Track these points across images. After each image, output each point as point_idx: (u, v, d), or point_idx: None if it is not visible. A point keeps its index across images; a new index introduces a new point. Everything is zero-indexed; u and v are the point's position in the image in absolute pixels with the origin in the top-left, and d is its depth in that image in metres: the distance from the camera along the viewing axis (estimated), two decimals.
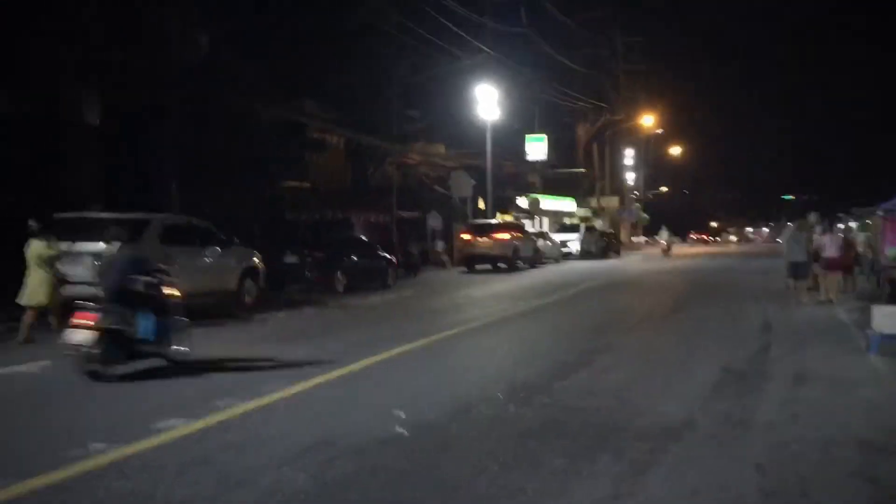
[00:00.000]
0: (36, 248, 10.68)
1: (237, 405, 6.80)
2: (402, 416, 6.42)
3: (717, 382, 7.90)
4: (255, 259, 14.98)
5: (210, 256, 13.59)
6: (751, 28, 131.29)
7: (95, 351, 7.69)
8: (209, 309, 13.09)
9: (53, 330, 10.23)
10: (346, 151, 34.19)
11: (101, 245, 9.75)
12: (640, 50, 67.39)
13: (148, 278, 8.24)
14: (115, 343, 7.82)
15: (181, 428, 6.09)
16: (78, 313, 7.88)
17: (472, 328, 12.23)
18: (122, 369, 7.95)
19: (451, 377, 8.40)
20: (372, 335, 11.47)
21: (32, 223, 10.85)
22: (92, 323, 7.73)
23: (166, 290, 8.41)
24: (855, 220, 23.03)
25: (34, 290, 10.66)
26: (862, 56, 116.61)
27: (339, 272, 18.02)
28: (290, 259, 17.82)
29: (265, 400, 7.05)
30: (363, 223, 27.87)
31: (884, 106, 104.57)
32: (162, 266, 8.83)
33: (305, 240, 18.60)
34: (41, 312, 10.85)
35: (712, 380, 8.03)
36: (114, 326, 7.82)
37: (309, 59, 28.50)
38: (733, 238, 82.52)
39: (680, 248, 54.10)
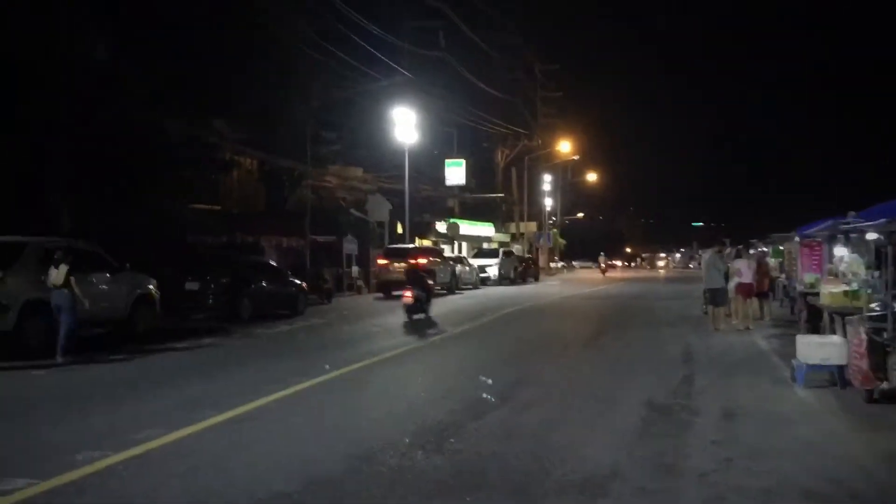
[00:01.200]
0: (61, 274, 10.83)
1: (101, 458, 5.84)
2: (291, 468, 5.60)
3: (643, 420, 7.34)
4: (149, 285, 13.86)
5: (98, 283, 12.43)
6: (664, 61, 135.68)
7: None
8: (100, 339, 11.99)
9: None
10: (259, 173, 33.07)
11: None
12: (557, 77, 68.54)
13: None
14: None
15: (25, 490, 5.11)
16: None
17: (383, 359, 11.44)
18: None
19: (355, 418, 7.60)
20: (272, 369, 10.57)
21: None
22: None
23: None
24: (766, 246, 23.23)
25: None
26: (771, 94, 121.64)
27: (244, 299, 16.96)
28: (192, 285, 16.67)
29: (137, 450, 6.11)
30: (275, 248, 26.78)
31: (787, 141, 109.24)
32: None
33: (209, 265, 17.44)
34: None
35: (638, 417, 7.47)
36: None
37: (219, 76, 27.34)
38: (661, 264, 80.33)
39: (594, 273, 54.59)
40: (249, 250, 23.24)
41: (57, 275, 10.98)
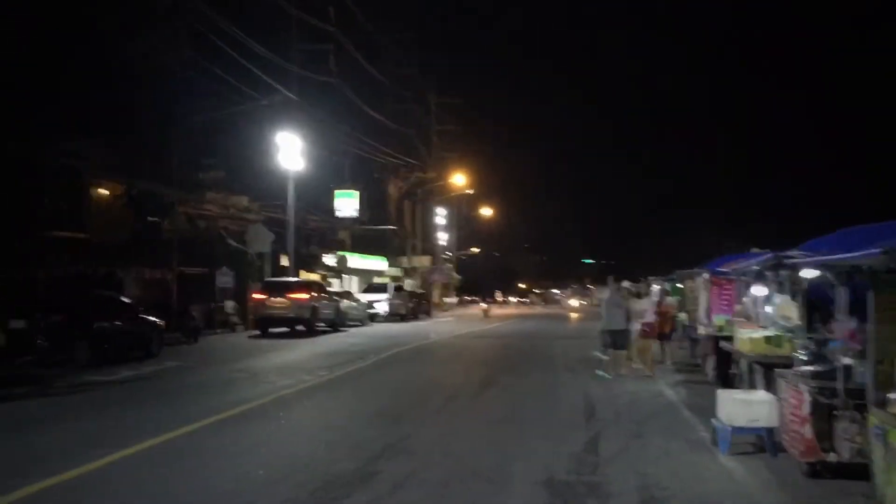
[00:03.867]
0: None
1: None
2: None
3: None
4: None
5: None
6: (558, 100, 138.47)
7: None
8: None
9: None
10: (126, 199, 30.27)
11: None
12: (453, 111, 67.88)
13: None
14: None
15: None
16: None
17: (229, 417, 9.41)
18: None
19: None
20: (81, 433, 8.42)
21: None
22: None
23: None
24: (662, 284, 22.24)
25: None
26: (664, 131, 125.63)
27: (81, 340, 14.48)
28: (17, 324, 14.07)
29: None
30: (137, 280, 24.14)
31: (677, 179, 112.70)
32: None
33: (42, 300, 14.90)
34: None
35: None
36: None
37: (92, 95, 24.76)
38: (573, 302, 69.65)
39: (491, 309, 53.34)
40: (103, 283, 20.57)
41: None
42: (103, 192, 29.28)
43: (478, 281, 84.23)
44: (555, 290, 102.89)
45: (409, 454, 7.55)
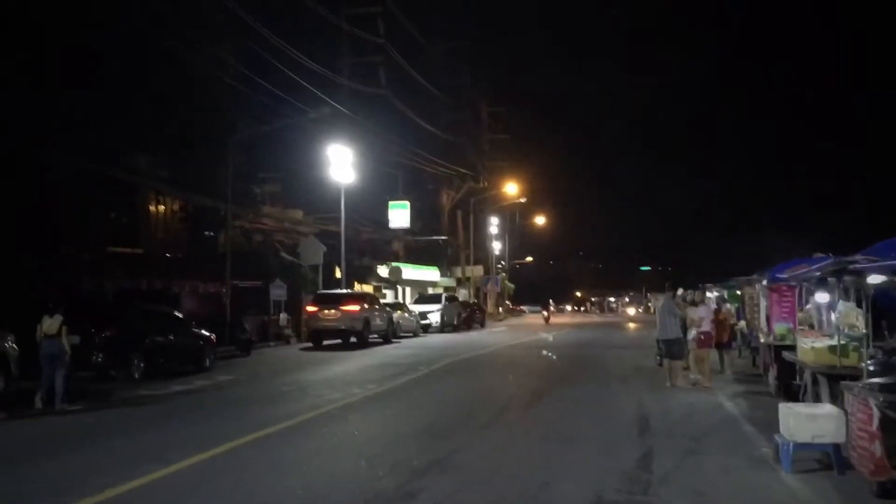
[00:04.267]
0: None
1: None
2: None
3: None
4: (3, 341, 11.51)
5: None
6: (609, 106, 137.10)
7: None
8: None
9: None
10: (182, 214, 30.75)
11: None
12: (504, 120, 67.60)
13: None
14: None
15: None
16: None
17: (274, 432, 9.30)
18: None
19: None
20: (125, 449, 8.39)
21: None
22: None
23: None
24: (719, 291, 21.57)
25: None
26: (715, 139, 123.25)
27: (135, 354, 14.61)
28: (72, 339, 14.21)
29: None
30: (192, 294, 24.43)
31: (729, 188, 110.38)
32: None
33: (96, 314, 15.07)
34: None
35: None
36: None
37: (144, 110, 25.24)
38: (630, 311, 65.92)
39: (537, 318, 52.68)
40: (158, 297, 20.84)
41: (51, 324, 11.34)
42: (160, 207, 29.84)
43: (532, 290, 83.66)
44: (611, 299, 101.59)
45: (454, 471, 7.32)
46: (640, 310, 60.09)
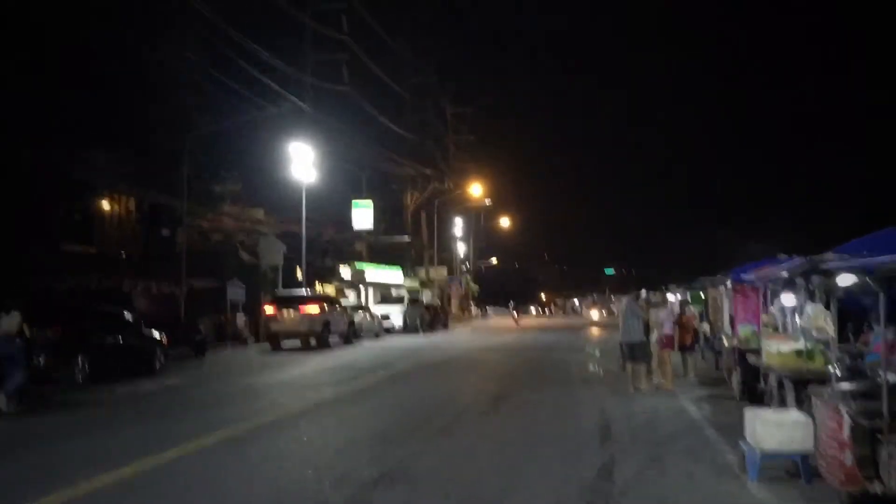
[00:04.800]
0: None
1: None
2: None
3: None
4: None
5: None
6: (573, 107, 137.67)
7: None
8: None
9: None
10: (138, 212, 29.98)
11: None
12: (469, 121, 67.30)
13: None
14: None
15: None
16: None
17: (218, 441, 8.79)
18: None
19: None
20: (50, 458, 7.85)
21: None
22: None
23: None
24: (682, 293, 21.42)
25: None
26: (683, 137, 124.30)
27: (78, 357, 13.95)
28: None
29: None
30: (145, 293, 23.70)
31: (698, 183, 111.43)
32: None
33: (40, 316, 14.35)
34: None
35: None
36: None
37: (104, 104, 24.51)
38: (593, 313, 59.43)
39: (508, 320, 52.43)
40: (107, 297, 20.10)
41: (9, 322, 11.19)
42: (115, 204, 29.06)
43: (497, 292, 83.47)
44: (575, 301, 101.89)
45: (406, 482, 6.90)
46: (604, 312, 59.87)
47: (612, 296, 75.75)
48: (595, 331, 37.17)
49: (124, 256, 27.21)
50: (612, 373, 15.61)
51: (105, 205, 28.44)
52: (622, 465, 7.46)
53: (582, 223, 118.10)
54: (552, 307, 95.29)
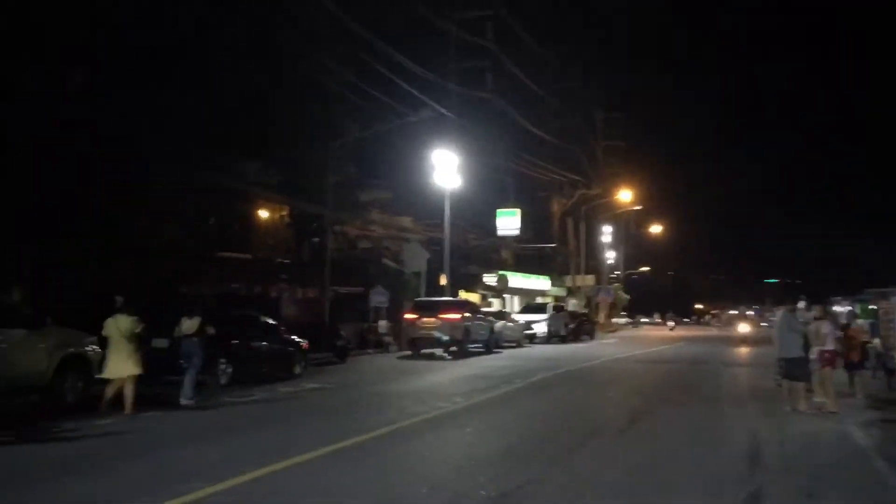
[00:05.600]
0: (125, 322, 11.11)
1: None
2: None
3: None
4: (84, 344, 11.37)
5: (3, 339, 10.00)
6: (734, 112, 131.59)
7: None
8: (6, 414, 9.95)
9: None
10: (289, 219, 31.03)
11: None
12: (619, 125, 65.61)
13: None
14: None
15: None
16: None
17: (340, 449, 8.58)
18: None
19: None
20: (179, 461, 7.88)
21: (119, 298, 11.53)
22: None
23: None
24: (850, 305, 19.59)
25: (121, 362, 10.94)
26: (847, 149, 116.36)
27: (220, 360, 14.34)
28: (160, 342, 14.11)
29: None
30: (291, 299, 24.39)
31: (861, 199, 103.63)
32: None
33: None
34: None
35: None
36: None
37: (253, 117, 25.51)
38: (742, 328, 46.70)
39: (658, 330, 50.47)
40: (257, 302, 20.78)
41: (189, 325, 12.30)
42: (267, 213, 30.19)
43: (649, 301, 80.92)
44: (732, 311, 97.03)
45: None
46: (760, 323, 55.73)
47: (773, 307, 71.52)
48: (750, 343, 34.93)
49: (281, 263, 28.15)
50: (767, 390, 14.35)
51: (259, 214, 29.60)
52: (771, 499, 6.60)
53: (742, 230, 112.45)
54: (707, 318, 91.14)
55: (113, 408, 10.88)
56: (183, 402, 11.92)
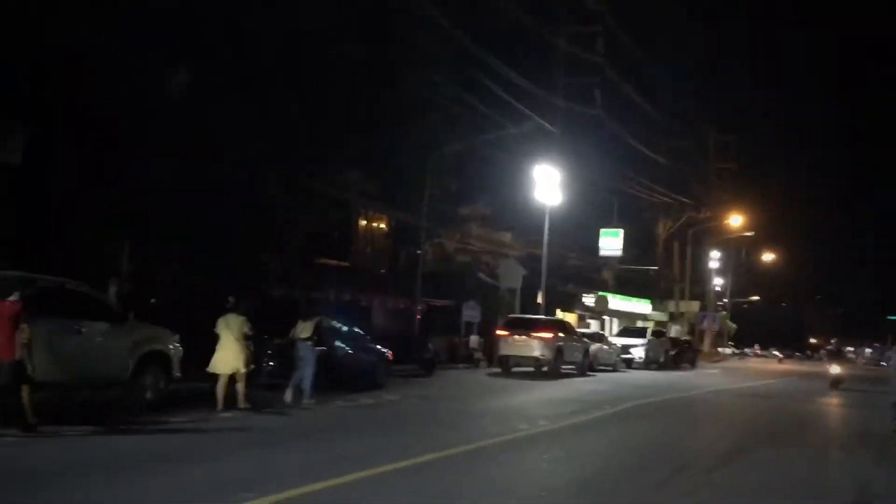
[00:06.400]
0: (235, 321, 11.73)
1: None
2: None
3: None
4: (167, 342, 11.48)
5: (88, 333, 10.15)
6: (852, 137, 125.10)
7: None
8: (90, 406, 10.30)
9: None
10: (387, 230, 31.15)
11: None
12: (734, 149, 63.14)
13: None
14: None
15: None
16: None
17: (405, 467, 8.22)
18: None
19: None
20: (232, 470, 7.72)
21: (231, 298, 12.04)
22: None
23: None
24: None
25: (228, 359, 11.60)
26: None
27: None
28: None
29: None
30: (383, 308, 24.35)
31: None
32: None
33: (273, 323, 14.97)
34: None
35: None
36: None
37: (359, 127, 25.75)
38: (835, 368, 39.83)
39: (765, 363, 48.04)
40: (349, 310, 20.78)
41: (304, 328, 12.99)
42: (368, 222, 30.40)
43: (758, 332, 77.55)
44: (849, 348, 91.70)
45: None
46: (865, 362, 51.45)
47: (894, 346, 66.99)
48: (837, 389, 32.60)
49: (373, 271, 28.25)
50: (880, 437, 13.15)
51: (360, 222, 29.83)
52: None
53: (866, 262, 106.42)
54: (821, 353, 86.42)
55: (225, 406, 11.53)
56: (304, 401, 12.68)
